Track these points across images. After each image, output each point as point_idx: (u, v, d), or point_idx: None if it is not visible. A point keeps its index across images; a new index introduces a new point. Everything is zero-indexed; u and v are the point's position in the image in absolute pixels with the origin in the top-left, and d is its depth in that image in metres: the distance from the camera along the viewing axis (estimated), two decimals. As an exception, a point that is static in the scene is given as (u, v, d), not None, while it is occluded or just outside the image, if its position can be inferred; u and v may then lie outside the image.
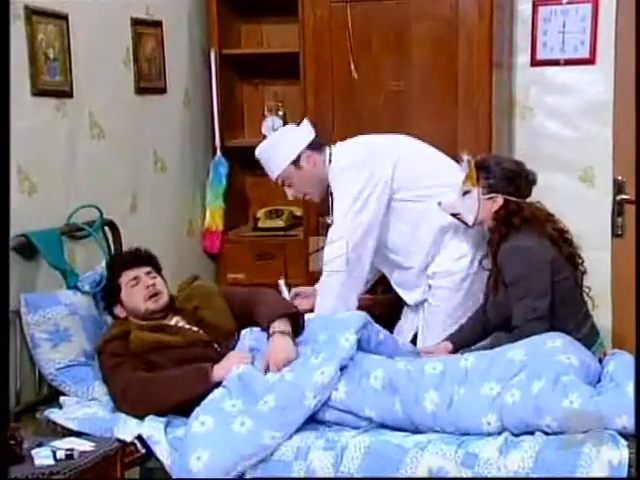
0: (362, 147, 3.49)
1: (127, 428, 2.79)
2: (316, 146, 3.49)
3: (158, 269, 3.26)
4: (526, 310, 3.02)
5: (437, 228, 3.43)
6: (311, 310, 3.38)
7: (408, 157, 3.46)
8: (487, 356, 2.86)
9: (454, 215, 3.27)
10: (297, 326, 2.97)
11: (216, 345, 3.04)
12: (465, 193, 3.19)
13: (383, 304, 3.69)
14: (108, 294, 3.19)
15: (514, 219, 3.11)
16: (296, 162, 3.45)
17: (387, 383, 2.80)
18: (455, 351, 3.20)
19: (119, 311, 3.16)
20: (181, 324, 3.11)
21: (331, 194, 3.47)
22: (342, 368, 2.84)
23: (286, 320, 2.93)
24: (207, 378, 2.85)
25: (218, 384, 2.84)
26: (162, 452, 2.75)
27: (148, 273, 3.17)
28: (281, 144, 3.48)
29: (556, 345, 2.82)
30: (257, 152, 3.52)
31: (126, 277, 3.14)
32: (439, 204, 3.28)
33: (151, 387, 2.89)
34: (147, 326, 3.05)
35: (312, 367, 2.82)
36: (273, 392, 2.75)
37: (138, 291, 3.11)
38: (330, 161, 3.46)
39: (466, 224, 3.26)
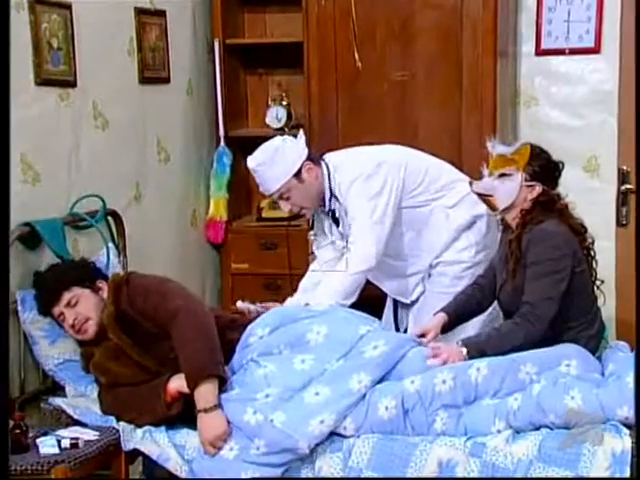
0: (367, 157, 3.40)
1: (128, 438, 2.77)
2: (314, 158, 3.40)
3: (81, 281, 3.02)
4: (543, 289, 2.91)
5: (443, 230, 3.41)
6: None
7: (413, 163, 3.42)
8: (499, 370, 2.75)
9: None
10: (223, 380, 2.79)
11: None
12: (503, 175, 3.04)
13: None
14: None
15: (553, 207, 3.02)
16: (298, 174, 3.33)
17: (399, 411, 2.70)
18: (450, 324, 3.13)
19: None
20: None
21: (329, 211, 3.41)
22: None
23: (210, 383, 2.73)
24: (162, 400, 2.78)
25: (180, 396, 2.78)
26: (175, 467, 2.72)
27: (68, 304, 2.97)
28: (283, 156, 3.31)
29: (570, 368, 2.76)
30: (253, 164, 3.35)
31: (55, 313, 3.01)
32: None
33: (122, 409, 2.86)
34: (102, 349, 2.96)
35: (310, 411, 2.68)
36: (262, 438, 2.66)
37: (67, 327, 3.00)
38: (329, 173, 3.37)
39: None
